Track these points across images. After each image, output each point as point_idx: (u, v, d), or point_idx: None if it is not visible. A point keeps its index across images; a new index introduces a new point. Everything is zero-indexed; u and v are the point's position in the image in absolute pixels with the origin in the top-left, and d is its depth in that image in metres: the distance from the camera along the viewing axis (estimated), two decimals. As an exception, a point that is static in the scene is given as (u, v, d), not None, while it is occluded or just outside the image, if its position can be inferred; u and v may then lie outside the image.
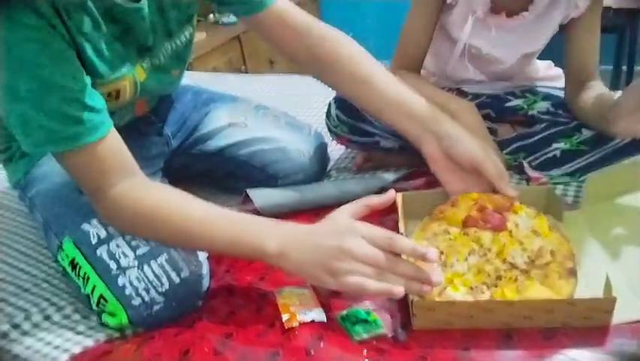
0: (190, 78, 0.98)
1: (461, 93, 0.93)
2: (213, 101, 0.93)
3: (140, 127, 0.81)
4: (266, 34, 0.78)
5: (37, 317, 0.66)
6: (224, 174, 0.91)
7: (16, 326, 0.65)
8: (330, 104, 0.92)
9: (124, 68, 0.67)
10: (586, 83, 0.85)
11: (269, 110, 0.95)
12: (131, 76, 0.69)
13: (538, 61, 1.00)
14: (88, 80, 0.61)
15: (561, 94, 0.91)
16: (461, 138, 0.67)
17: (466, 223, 0.64)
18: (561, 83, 0.94)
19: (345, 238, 0.54)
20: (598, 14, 0.84)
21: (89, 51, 0.61)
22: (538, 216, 0.64)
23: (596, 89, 0.83)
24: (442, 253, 0.62)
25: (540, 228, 0.63)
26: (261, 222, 0.61)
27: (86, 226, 0.65)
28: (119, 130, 0.64)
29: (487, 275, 0.59)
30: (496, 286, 0.58)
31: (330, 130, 0.93)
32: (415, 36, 0.88)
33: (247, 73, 2.20)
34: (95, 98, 0.61)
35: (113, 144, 0.62)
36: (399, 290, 0.53)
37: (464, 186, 0.69)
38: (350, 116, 0.89)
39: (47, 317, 0.66)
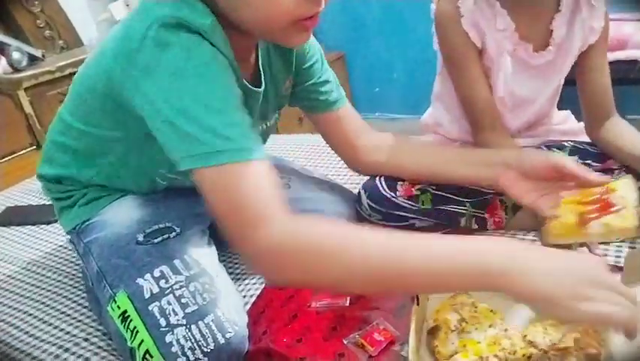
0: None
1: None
2: None
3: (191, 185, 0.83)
4: (335, 134, 0.89)
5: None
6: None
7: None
8: (360, 193, 0.91)
9: None
10: (605, 117, 0.88)
11: (312, 173, 0.99)
12: None
13: (558, 112, 1.01)
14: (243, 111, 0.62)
15: (587, 147, 0.92)
16: (526, 153, 0.75)
17: (582, 222, 0.67)
18: (586, 137, 0.94)
19: (601, 268, 0.51)
20: (606, 47, 0.88)
21: None
22: None
23: (622, 125, 0.89)
24: (463, 320, 0.62)
25: None
26: (478, 240, 0.57)
27: (140, 281, 0.67)
28: (173, 188, 0.69)
29: (501, 348, 0.58)
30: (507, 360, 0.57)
31: (363, 218, 0.90)
32: (479, 89, 0.89)
33: (277, 131, 2.26)
34: (247, 127, 0.59)
35: (272, 177, 0.57)
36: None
37: (549, 198, 0.72)
38: (383, 205, 0.88)
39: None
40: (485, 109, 0.88)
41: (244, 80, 0.70)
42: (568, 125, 1.00)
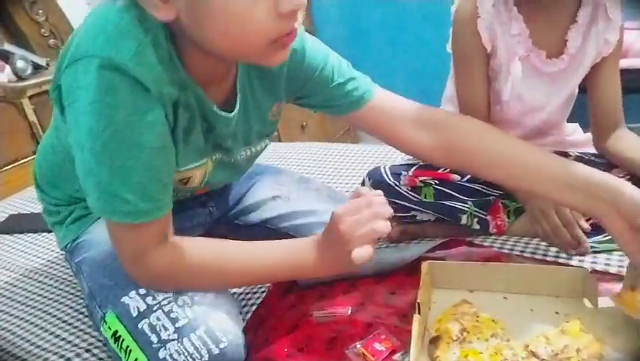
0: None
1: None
2: (257, 174, 0.96)
3: (186, 201, 0.83)
4: (372, 128, 0.80)
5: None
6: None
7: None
8: (364, 181, 0.94)
9: (200, 161, 0.70)
10: (614, 128, 0.88)
11: (311, 184, 0.97)
12: (204, 167, 0.71)
13: (567, 124, 1.01)
14: (175, 166, 0.64)
15: (592, 157, 0.92)
16: (626, 194, 0.61)
17: None
18: (592, 148, 0.94)
19: (338, 222, 0.64)
20: (618, 58, 0.88)
21: (180, 143, 0.64)
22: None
23: (630, 136, 0.88)
24: (465, 329, 0.62)
25: (570, 329, 0.61)
26: (297, 244, 0.69)
27: (126, 299, 0.66)
28: None
29: (503, 358, 0.58)
30: None
31: None
32: (475, 93, 0.89)
33: (280, 139, 2.26)
34: (171, 178, 0.64)
35: (169, 219, 0.64)
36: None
37: None
38: (385, 193, 0.88)
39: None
40: (480, 113, 0.89)
41: (213, 105, 0.65)
42: (575, 136, 1.01)
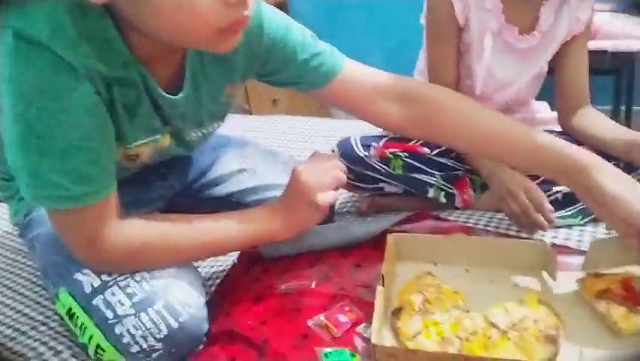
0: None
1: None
2: (222, 146, 0.94)
3: (143, 173, 0.80)
4: (342, 103, 0.77)
5: (34, 362, 0.65)
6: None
7: (12, 372, 0.64)
8: (333, 151, 0.93)
9: (151, 137, 0.67)
10: (579, 106, 0.90)
11: (278, 157, 0.95)
12: (155, 143, 0.68)
13: (535, 102, 1.02)
14: (114, 145, 0.61)
15: (558, 135, 0.93)
16: (617, 197, 0.59)
17: (602, 295, 0.61)
18: (557, 126, 0.96)
19: (299, 175, 0.69)
20: (588, 38, 0.89)
21: (125, 120, 0.61)
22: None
23: (595, 113, 0.91)
24: (427, 301, 0.63)
25: (528, 300, 0.62)
26: (258, 210, 0.72)
27: (79, 276, 0.64)
28: (120, 180, 0.63)
29: (463, 329, 0.59)
30: (468, 341, 0.58)
31: None
32: (445, 66, 0.89)
33: (251, 112, 2.23)
34: (111, 157, 0.61)
35: (113, 199, 0.62)
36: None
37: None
38: (355, 163, 0.89)
39: (44, 363, 0.65)
40: (447, 86, 0.87)
41: (157, 87, 0.62)
42: (542, 114, 1.02)
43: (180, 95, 0.65)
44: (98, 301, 0.62)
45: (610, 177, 0.61)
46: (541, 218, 0.76)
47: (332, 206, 0.94)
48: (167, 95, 0.63)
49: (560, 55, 0.91)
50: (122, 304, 0.61)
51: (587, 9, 0.86)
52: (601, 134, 0.86)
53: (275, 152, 0.98)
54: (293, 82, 0.76)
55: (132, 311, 0.60)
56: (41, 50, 0.51)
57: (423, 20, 0.90)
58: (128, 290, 0.62)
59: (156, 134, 0.67)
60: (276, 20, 0.71)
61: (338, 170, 0.70)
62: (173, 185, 0.88)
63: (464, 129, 0.72)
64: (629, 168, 0.78)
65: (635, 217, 0.58)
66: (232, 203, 0.88)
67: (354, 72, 0.76)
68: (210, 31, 0.53)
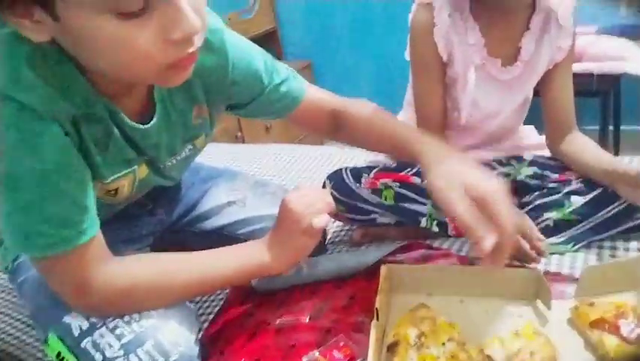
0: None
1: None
2: (212, 178, 0.94)
3: (130, 209, 0.80)
4: (298, 124, 0.84)
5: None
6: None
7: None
8: (325, 183, 0.94)
9: (126, 169, 0.67)
10: (567, 131, 0.91)
11: (268, 188, 0.95)
12: (132, 175, 0.68)
13: (523, 127, 1.03)
14: (91, 183, 0.60)
15: (546, 160, 0.94)
16: (437, 192, 0.64)
17: (595, 324, 0.61)
18: (547, 151, 0.97)
19: (288, 203, 0.68)
20: (571, 63, 0.91)
21: (97, 156, 0.61)
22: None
23: (583, 139, 0.92)
24: (423, 334, 0.62)
25: (523, 332, 0.62)
26: (250, 245, 0.71)
27: (67, 318, 0.63)
28: (107, 217, 0.63)
29: None
30: None
31: None
32: (430, 101, 0.91)
33: (244, 140, 2.24)
34: (91, 197, 0.60)
35: (98, 240, 0.61)
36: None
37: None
38: (346, 196, 0.90)
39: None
40: (433, 120, 0.90)
41: (126, 118, 0.62)
42: (530, 139, 1.03)
43: (151, 123, 0.65)
44: (86, 344, 0.61)
45: (438, 174, 0.65)
46: (533, 253, 0.76)
47: (324, 236, 0.94)
48: (138, 126, 0.63)
49: (545, 82, 0.92)
50: (111, 346, 0.60)
51: (568, 37, 0.88)
52: (586, 161, 0.87)
53: (265, 182, 0.98)
54: (262, 111, 0.79)
55: (121, 353, 0.59)
56: (2, 99, 0.51)
57: (407, 56, 0.92)
58: (117, 331, 0.61)
59: (131, 165, 0.67)
60: (240, 49, 0.72)
61: (326, 195, 0.71)
62: (162, 220, 0.88)
63: (372, 134, 0.80)
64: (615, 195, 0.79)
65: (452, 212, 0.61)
66: (223, 236, 0.88)
67: (313, 94, 0.82)
68: (156, 68, 0.52)
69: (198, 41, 0.53)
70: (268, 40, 2.69)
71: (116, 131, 0.62)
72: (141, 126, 0.64)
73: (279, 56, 2.73)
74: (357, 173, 0.93)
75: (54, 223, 0.56)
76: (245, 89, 0.74)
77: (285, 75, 0.78)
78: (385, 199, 0.91)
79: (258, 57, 0.74)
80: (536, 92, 0.97)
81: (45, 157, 0.54)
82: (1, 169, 0.53)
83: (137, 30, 0.48)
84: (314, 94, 0.82)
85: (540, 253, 0.76)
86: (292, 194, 0.70)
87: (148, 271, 0.64)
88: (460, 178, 0.62)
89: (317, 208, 0.68)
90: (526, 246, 0.75)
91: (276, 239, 0.70)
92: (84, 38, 0.49)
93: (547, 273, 0.74)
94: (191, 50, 0.52)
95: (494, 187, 0.60)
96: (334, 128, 0.83)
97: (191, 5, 0.50)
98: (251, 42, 0.75)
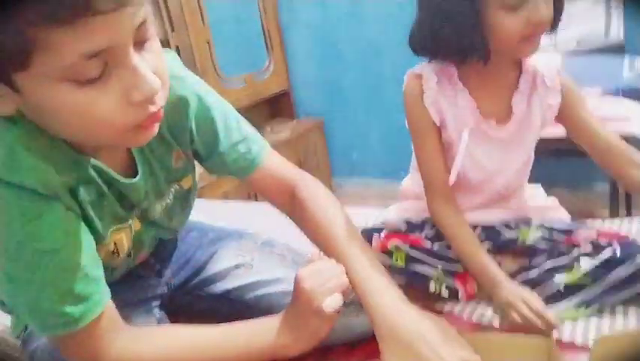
0: (197, 209, 0.96)
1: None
2: (220, 240, 0.94)
3: (138, 271, 0.81)
4: (259, 191, 0.82)
5: None
6: (228, 315, 0.89)
7: None
8: None
9: (120, 224, 0.68)
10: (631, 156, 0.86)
11: (275, 248, 0.95)
12: (128, 229, 0.70)
13: (529, 187, 1.04)
14: (96, 250, 0.62)
15: (555, 221, 0.94)
16: (385, 340, 0.67)
17: None
18: (555, 213, 0.96)
19: (301, 281, 0.66)
20: (582, 103, 0.89)
21: (95, 218, 0.62)
22: None
23: None
24: None
25: None
26: (262, 323, 0.70)
27: None
28: (114, 281, 0.65)
29: None
30: None
31: None
32: (433, 165, 0.92)
33: (256, 198, 2.25)
34: (100, 265, 0.61)
35: (110, 310, 0.62)
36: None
37: None
38: None
39: None
40: (438, 182, 0.91)
41: (115, 175, 0.63)
42: (536, 201, 1.03)
43: (138, 177, 0.67)
44: None
45: (393, 352, 0.66)
46: (544, 327, 0.73)
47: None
48: (127, 181, 0.65)
49: (574, 131, 0.90)
50: None
51: (556, 94, 0.89)
52: None
53: (272, 243, 0.96)
54: (221, 168, 0.78)
55: None
56: (2, 186, 0.52)
57: (407, 124, 0.95)
58: None
59: (126, 221, 0.68)
60: (202, 98, 0.72)
61: (339, 272, 0.68)
62: (169, 282, 0.88)
63: (320, 230, 0.77)
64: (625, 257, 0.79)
65: None
66: (231, 301, 0.88)
67: (276, 164, 0.81)
68: (120, 131, 0.52)
69: (161, 100, 0.54)
70: (281, 100, 2.79)
71: (106, 189, 0.63)
72: (129, 180, 0.65)
73: (291, 114, 2.82)
74: (367, 234, 0.93)
75: (70, 301, 0.57)
76: (202, 137, 0.74)
77: (245, 135, 0.77)
78: (397, 260, 0.91)
79: (220, 110, 0.74)
80: (539, 151, 0.97)
81: (51, 237, 0.55)
82: (10, 255, 0.54)
83: (96, 96, 0.49)
84: (277, 164, 0.81)
85: (551, 328, 0.73)
86: (306, 270, 0.68)
87: (162, 345, 0.65)
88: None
89: (328, 288, 0.66)
90: (538, 323, 0.72)
91: (292, 318, 0.68)
92: (46, 108, 0.50)
93: (559, 342, 0.73)
94: (153, 109, 0.53)
95: None
96: (290, 208, 0.81)
97: (150, 65, 0.51)
98: (220, 97, 0.76)
